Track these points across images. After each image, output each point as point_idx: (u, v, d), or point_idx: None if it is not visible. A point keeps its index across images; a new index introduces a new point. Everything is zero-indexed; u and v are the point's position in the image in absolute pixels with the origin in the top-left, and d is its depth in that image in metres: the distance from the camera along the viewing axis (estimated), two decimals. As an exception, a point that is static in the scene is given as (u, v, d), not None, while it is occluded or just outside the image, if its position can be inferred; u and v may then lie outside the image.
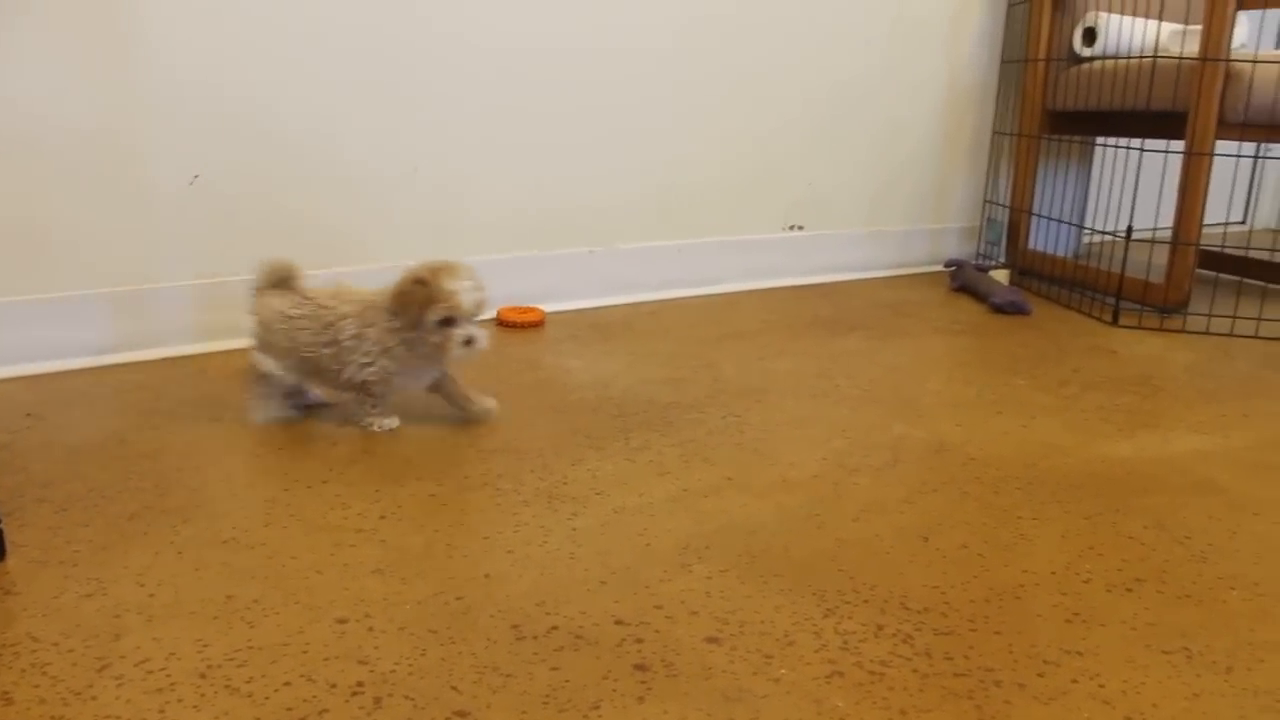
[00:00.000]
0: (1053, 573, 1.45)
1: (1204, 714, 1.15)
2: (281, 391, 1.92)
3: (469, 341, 1.78)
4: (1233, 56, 2.89)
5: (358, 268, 2.46)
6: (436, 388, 1.93)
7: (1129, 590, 1.41)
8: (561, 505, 1.58)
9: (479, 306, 1.79)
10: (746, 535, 1.51)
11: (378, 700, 1.09)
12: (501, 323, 2.59)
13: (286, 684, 1.12)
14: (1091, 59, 3.35)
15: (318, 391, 2.00)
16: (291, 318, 1.85)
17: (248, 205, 2.35)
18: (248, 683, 1.12)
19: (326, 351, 1.83)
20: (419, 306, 1.75)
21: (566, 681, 1.14)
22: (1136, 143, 3.19)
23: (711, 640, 1.23)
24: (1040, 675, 1.20)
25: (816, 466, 1.78)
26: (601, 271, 2.86)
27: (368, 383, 1.84)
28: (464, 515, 1.53)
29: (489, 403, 1.95)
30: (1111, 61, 3.22)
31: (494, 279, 2.60)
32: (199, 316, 2.33)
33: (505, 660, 1.18)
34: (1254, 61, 2.87)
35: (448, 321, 1.76)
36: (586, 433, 1.88)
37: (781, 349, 2.51)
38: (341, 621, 1.24)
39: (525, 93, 2.66)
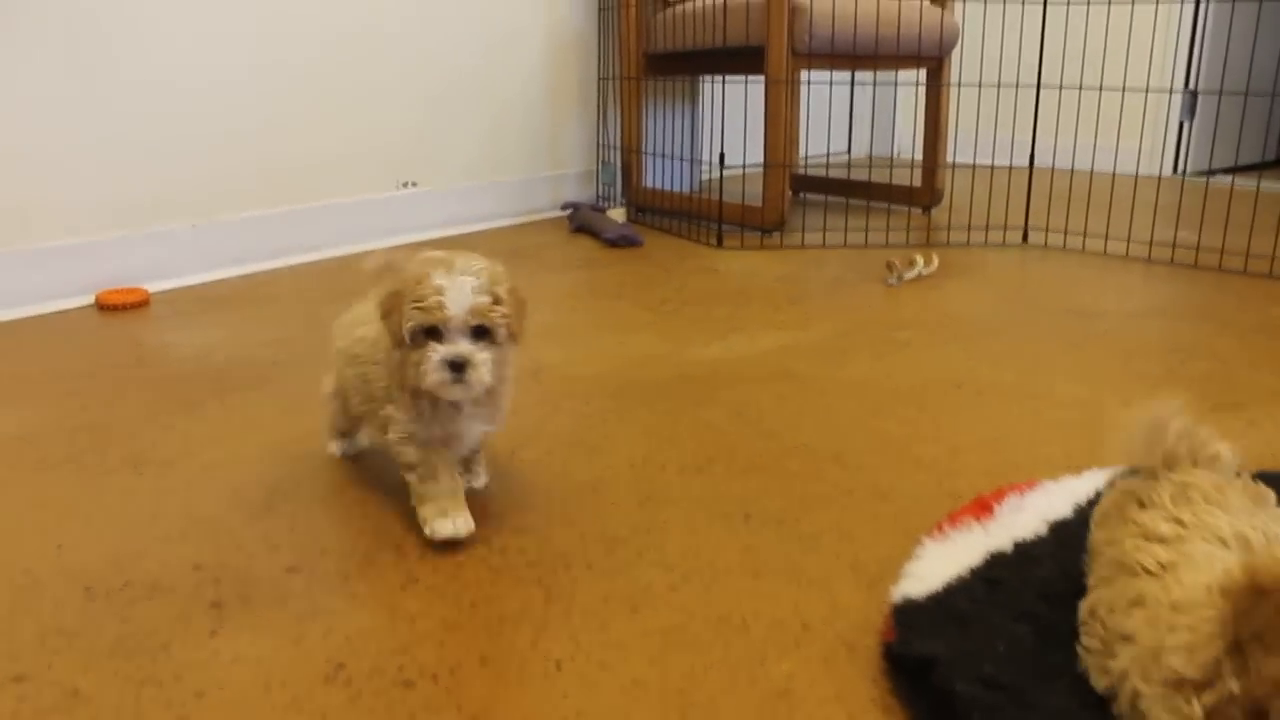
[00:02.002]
0: (631, 465, 1.54)
1: (754, 561, 1.26)
2: (344, 425, 1.54)
3: (456, 367, 1.20)
4: (794, -11, 3.11)
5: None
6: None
7: (700, 470, 1.52)
8: (149, 469, 1.54)
9: (483, 315, 1.20)
10: (336, 472, 1.52)
11: (-76, 682, 1.04)
12: (102, 306, 2.47)
13: None
14: (678, 2, 3.51)
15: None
16: (353, 338, 1.40)
17: None
18: None
19: (359, 404, 1.41)
20: (396, 315, 1.22)
21: (137, 630, 1.12)
22: (736, 78, 3.38)
23: (291, 570, 1.24)
24: (608, 553, 1.28)
25: (415, 401, 1.80)
26: (208, 245, 2.77)
27: (391, 445, 1.32)
28: (40, 493, 1.47)
29: (480, 479, 1.46)
30: (697, 3, 3.39)
31: (95, 261, 2.49)
32: None
33: (72, 621, 1.14)
34: (813, -7, 3.11)
35: (429, 333, 1.20)
36: (181, 399, 1.83)
37: (397, 301, 2.51)
38: (-112, 613, 1.17)
39: (99, 63, 2.53)
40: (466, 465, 1.43)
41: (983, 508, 1.31)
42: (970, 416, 1.74)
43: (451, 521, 1.28)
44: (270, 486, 1.47)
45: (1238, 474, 1.02)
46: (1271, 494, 0.99)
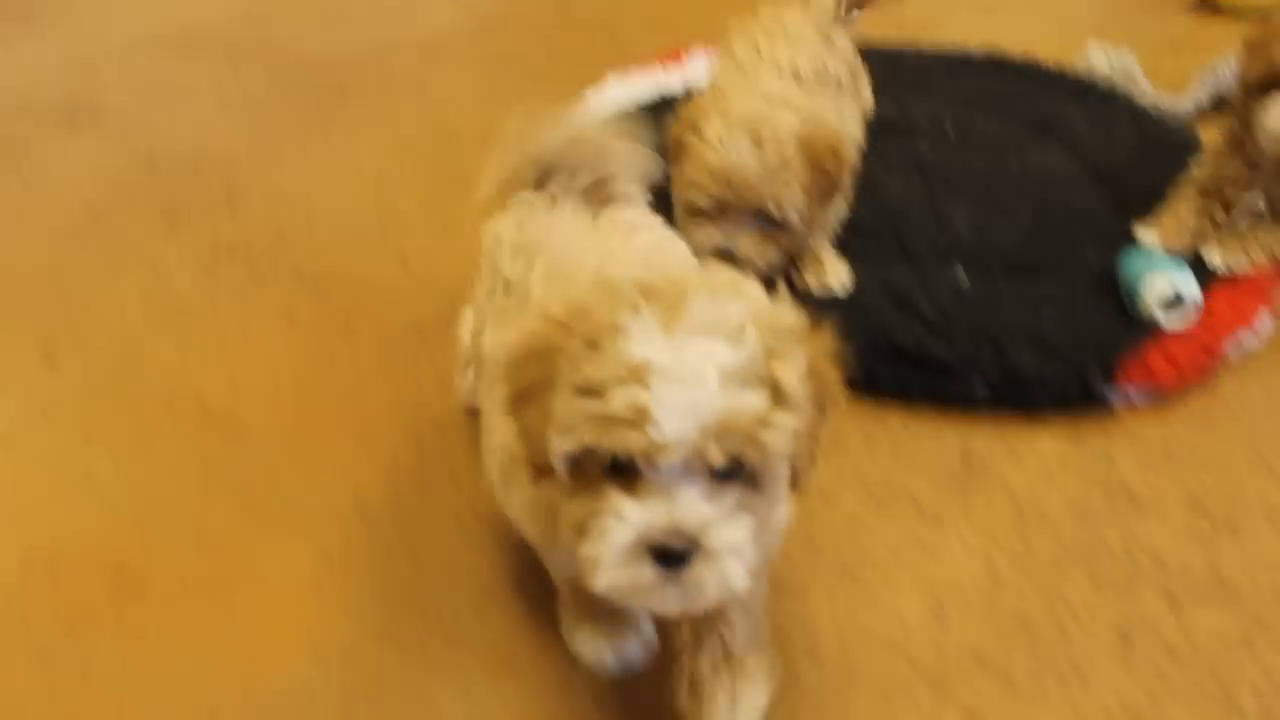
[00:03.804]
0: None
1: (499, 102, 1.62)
2: None
3: (670, 558, 0.58)
4: None
5: None
6: None
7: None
8: (34, 22, 1.88)
9: (746, 438, 0.57)
10: (202, 34, 1.85)
11: None
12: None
13: None
14: None
15: None
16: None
17: None
18: None
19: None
20: (539, 409, 0.61)
21: (8, 138, 1.51)
22: None
23: (131, 93, 1.62)
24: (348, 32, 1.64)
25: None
26: None
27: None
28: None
29: None
30: None
31: None
32: None
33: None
34: None
35: (614, 467, 0.59)
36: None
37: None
38: None
39: None
40: None
41: (674, 56, 1.63)
42: None
43: (610, 648, 0.79)
44: (136, 37, 1.82)
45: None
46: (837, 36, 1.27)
